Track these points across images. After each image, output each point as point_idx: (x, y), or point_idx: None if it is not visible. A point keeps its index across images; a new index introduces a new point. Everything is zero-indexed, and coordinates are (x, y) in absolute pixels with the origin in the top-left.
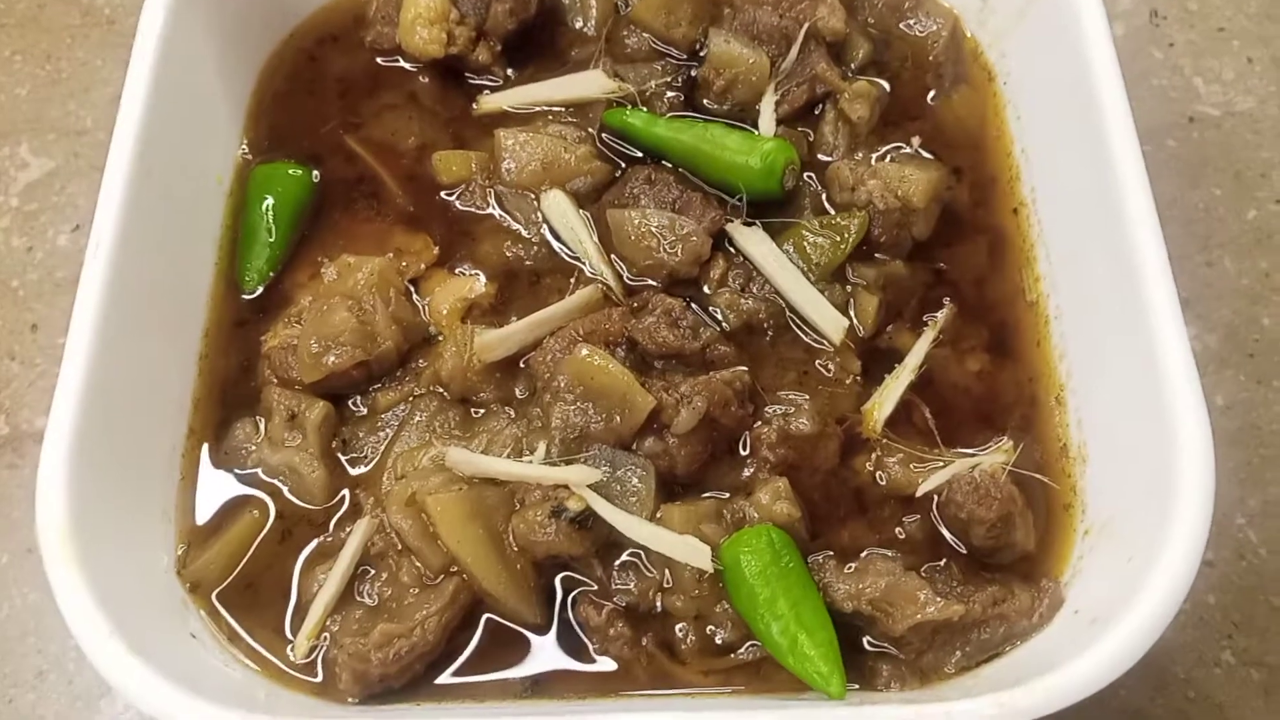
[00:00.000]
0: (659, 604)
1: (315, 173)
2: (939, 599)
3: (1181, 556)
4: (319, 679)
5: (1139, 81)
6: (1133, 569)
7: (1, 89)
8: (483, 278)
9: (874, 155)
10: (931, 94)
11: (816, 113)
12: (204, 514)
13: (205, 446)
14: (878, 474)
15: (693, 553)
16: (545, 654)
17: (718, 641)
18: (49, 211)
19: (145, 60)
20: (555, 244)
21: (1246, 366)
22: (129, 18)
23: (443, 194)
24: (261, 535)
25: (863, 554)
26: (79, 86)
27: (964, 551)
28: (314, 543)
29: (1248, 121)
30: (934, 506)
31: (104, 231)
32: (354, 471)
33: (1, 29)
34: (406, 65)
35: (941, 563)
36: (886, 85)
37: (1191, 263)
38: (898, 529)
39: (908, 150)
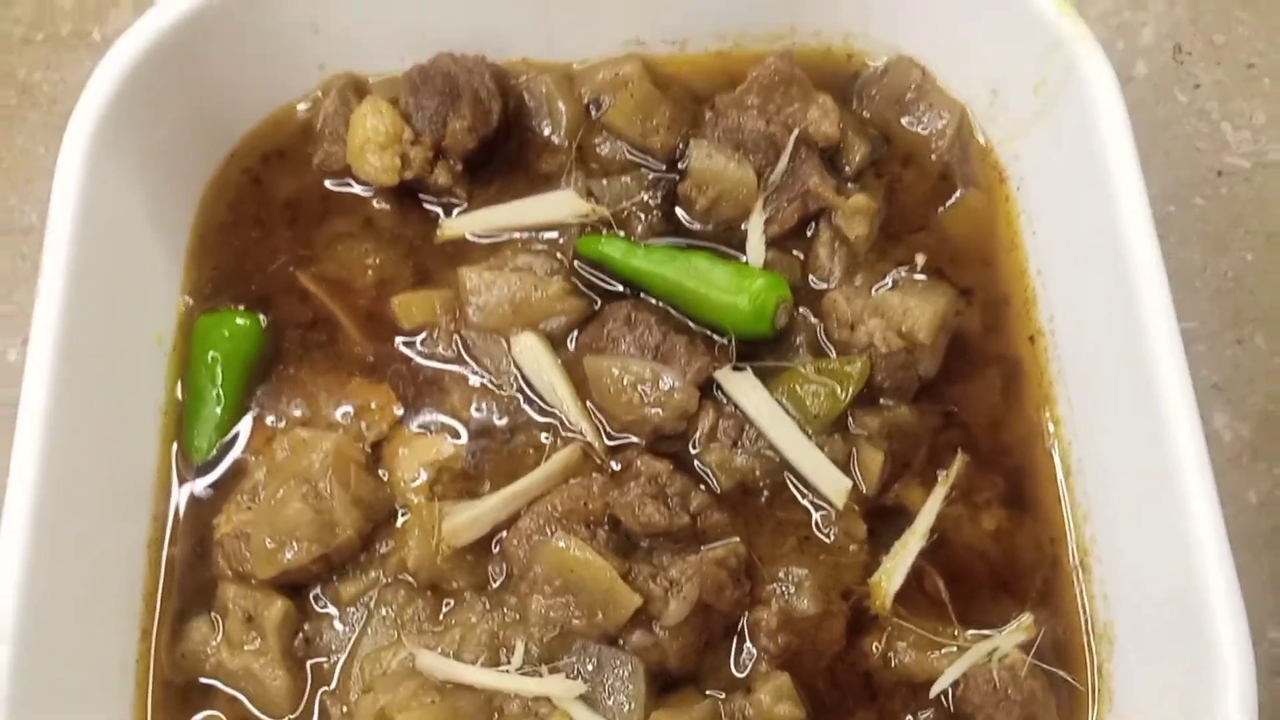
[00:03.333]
0: None
1: (263, 318)
2: None
3: None
4: None
5: (1163, 130)
6: None
7: None
8: (451, 438)
9: (874, 284)
10: (950, 201)
11: (810, 232)
12: None
13: (160, 651)
14: (888, 656)
15: None
16: None
17: None
18: None
19: (65, 214)
20: (529, 394)
21: None
22: (71, 97)
23: (404, 340)
24: None
25: None
26: (20, 178)
27: None
28: None
29: None
30: (950, 701)
31: (32, 422)
32: (322, 682)
33: None
34: (359, 190)
35: None
36: (886, 192)
37: (1220, 341)
38: None
39: (911, 273)
